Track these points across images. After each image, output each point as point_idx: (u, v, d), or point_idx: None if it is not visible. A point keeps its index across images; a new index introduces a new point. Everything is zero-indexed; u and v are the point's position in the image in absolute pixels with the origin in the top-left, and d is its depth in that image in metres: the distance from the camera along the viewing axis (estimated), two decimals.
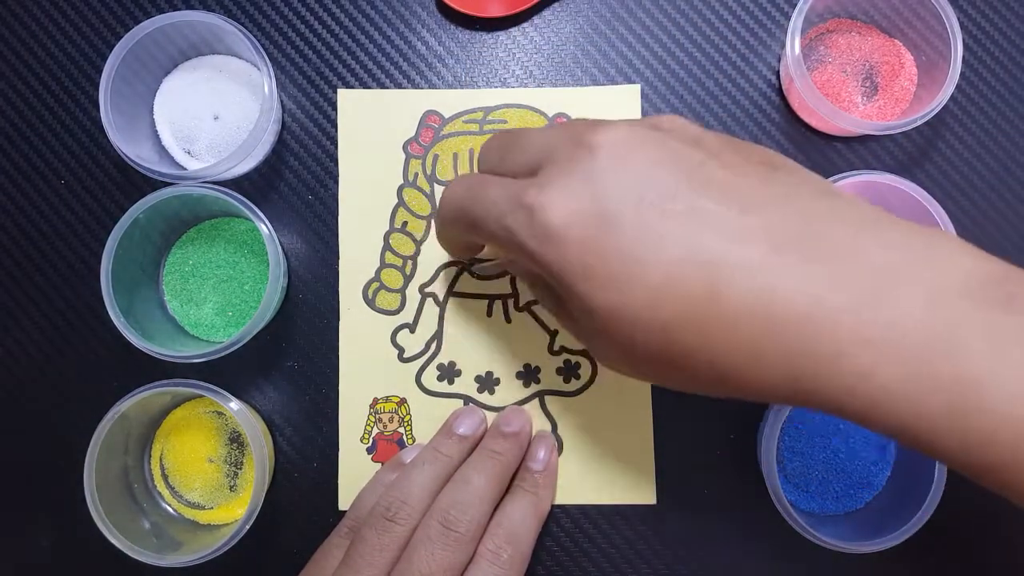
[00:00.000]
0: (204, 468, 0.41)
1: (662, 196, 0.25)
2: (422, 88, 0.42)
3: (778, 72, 0.42)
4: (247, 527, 0.36)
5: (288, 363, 0.41)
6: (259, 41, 0.41)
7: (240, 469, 0.41)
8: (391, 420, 0.40)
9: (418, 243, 0.41)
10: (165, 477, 0.41)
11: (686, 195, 0.25)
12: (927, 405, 0.22)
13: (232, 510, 0.40)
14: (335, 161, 0.42)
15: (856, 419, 0.24)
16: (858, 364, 0.23)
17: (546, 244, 0.26)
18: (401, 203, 0.41)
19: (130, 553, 0.36)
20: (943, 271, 0.23)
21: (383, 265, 0.41)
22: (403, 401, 0.41)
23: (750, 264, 0.24)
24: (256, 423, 0.38)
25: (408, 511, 0.33)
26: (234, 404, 0.37)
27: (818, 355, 0.23)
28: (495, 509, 0.35)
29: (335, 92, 0.42)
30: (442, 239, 0.35)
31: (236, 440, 0.41)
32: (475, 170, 0.41)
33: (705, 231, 0.24)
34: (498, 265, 0.40)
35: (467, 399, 0.41)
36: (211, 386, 0.37)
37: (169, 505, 0.40)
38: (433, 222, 0.41)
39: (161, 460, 0.41)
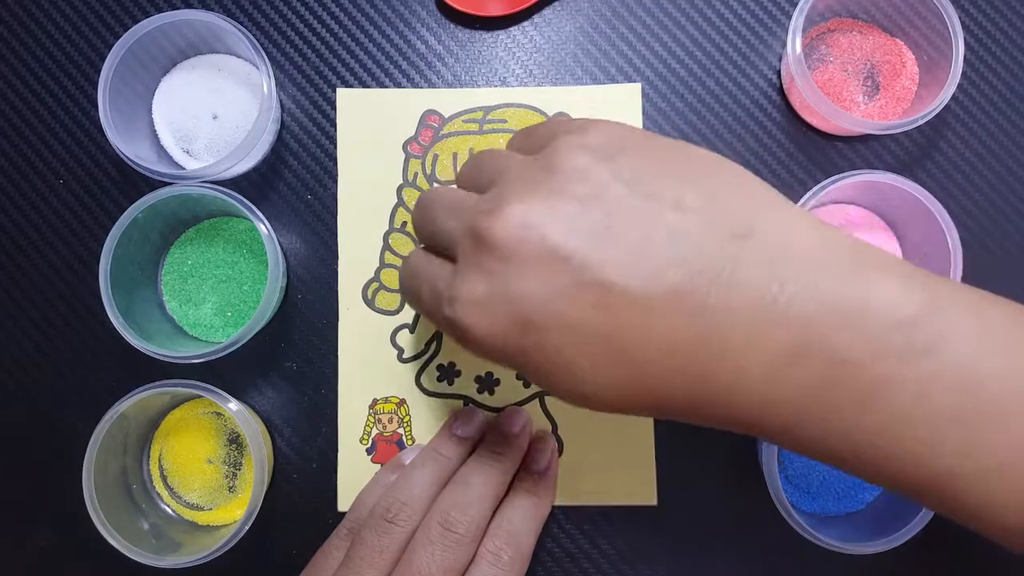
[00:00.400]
0: (203, 469, 0.40)
1: (565, 278, 0.24)
2: (422, 87, 0.42)
3: (779, 71, 0.42)
4: (246, 528, 0.36)
5: (287, 363, 0.41)
6: (258, 40, 0.40)
7: (239, 470, 0.41)
8: (390, 421, 0.40)
9: (418, 243, 0.41)
10: (164, 478, 0.41)
11: (590, 269, 0.24)
12: (790, 397, 0.23)
13: (231, 511, 0.40)
14: (334, 161, 0.42)
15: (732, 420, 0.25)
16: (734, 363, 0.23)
17: (485, 357, 0.27)
18: (401, 203, 0.41)
19: (129, 554, 0.36)
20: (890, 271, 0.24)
21: (383, 265, 0.41)
22: (403, 402, 0.40)
23: (668, 314, 0.24)
24: (255, 424, 0.38)
25: (408, 512, 0.33)
26: (233, 405, 0.37)
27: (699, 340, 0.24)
28: (495, 510, 0.35)
29: (334, 91, 0.42)
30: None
31: (235, 441, 0.41)
32: None
33: (601, 308, 0.24)
34: None
35: (467, 400, 0.41)
36: (210, 387, 0.37)
37: (168, 506, 0.40)
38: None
39: (160, 461, 0.41)
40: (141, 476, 0.40)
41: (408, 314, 0.41)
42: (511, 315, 0.25)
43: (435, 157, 0.41)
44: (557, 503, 0.40)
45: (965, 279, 0.37)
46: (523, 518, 0.35)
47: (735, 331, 0.23)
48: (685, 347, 0.24)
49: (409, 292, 0.30)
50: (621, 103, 0.42)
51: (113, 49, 0.38)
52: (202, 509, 0.40)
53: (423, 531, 0.33)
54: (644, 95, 0.42)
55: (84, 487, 0.36)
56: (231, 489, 0.40)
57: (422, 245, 0.31)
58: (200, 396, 0.37)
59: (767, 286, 0.23)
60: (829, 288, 0.23)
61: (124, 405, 0.36)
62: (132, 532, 0.36)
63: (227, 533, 0.36)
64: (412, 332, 0.41)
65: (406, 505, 0.34)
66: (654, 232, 0.24)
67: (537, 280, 0.24)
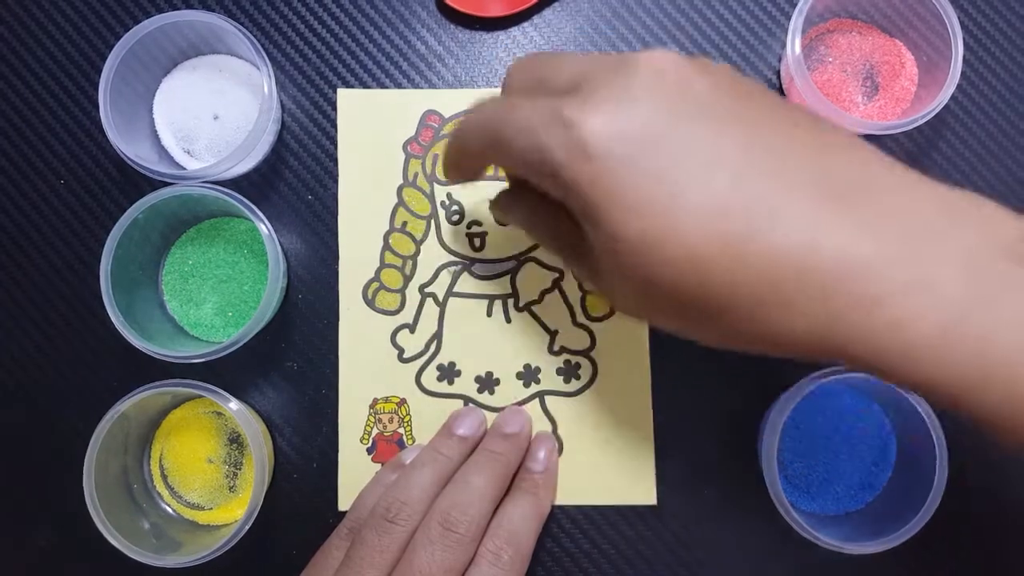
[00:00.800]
0: (204, 468, 0.41)
1: (711, 123, 0.24)
2: (422, 88, 0.42)
3: (778, 72, 0.42)
4: (247, 528, 0.36)
5: (288, 363, 0.41)
6: (259, 41, 0.41)
7: (240, 469, 0.41)
8: (391, 420, 0.40)
9: (418, 243, 0.41)
10: (164, 477, 0.41)
11: (735, 128, 0.24)
12: (957, 363, 0.22)
13: (232, 510, 0.40)
14: (335, 161, 0.42)
15: (884, 373, 0.24)
16: (892, 315, 0.22)
17: (582, 162, 0.24)
18: (401, 203, 0.41)
19: (129, 553, 0.36)
20: (986, 231, 0.23)
21: (383, 265, 0.41)
22: (403, 401, 0.40)
23: (794, 211, 0.23)
24: (256, 423, 0.38)
25: (408, 512, 0.33)
26: (233, 404, 0.37)
27: (852, 304, 0.23)
28: (496, 510, 0.35)
29: (335, 92, 0.42)
30: (450, 164, 0.32)
31: (236, 440, 0.41)
32: None
33: (752, 170, 0.23)
34: (501, 212, 0.35)
35: (467, 399, 0.41)
36: (210, 386, 0.37)
37: (168, 505, 0.40)
38: (440, 151, 0.37)
39: (160, 460, 0.41)
40: (142, 475, 0.40)
41: (408, 314, 0.41)
42: (638, 126, 0.24)
43: (435, 157, 0.41)
44: (557, 503, 0.40)
45: None
46: (523, 517, 0.35)
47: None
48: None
49: (502, 119, 0.27)
50: None
51: (114, 49, 0.38)
52: (203, 508, 0.40)
53: (423, 531, 0.33)
54: None
55: (85, 487, 0.36)
56: (232, 489, 0.41)
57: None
58: (201, 396, 0.37)
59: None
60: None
61: (125, 405, 0.36)
62: (133, 532, 0.36)
63: (228, 533, 0.36)
64: (412, 332, 0.41)
65: (406, 505, 0.34)
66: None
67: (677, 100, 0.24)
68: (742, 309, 0.24)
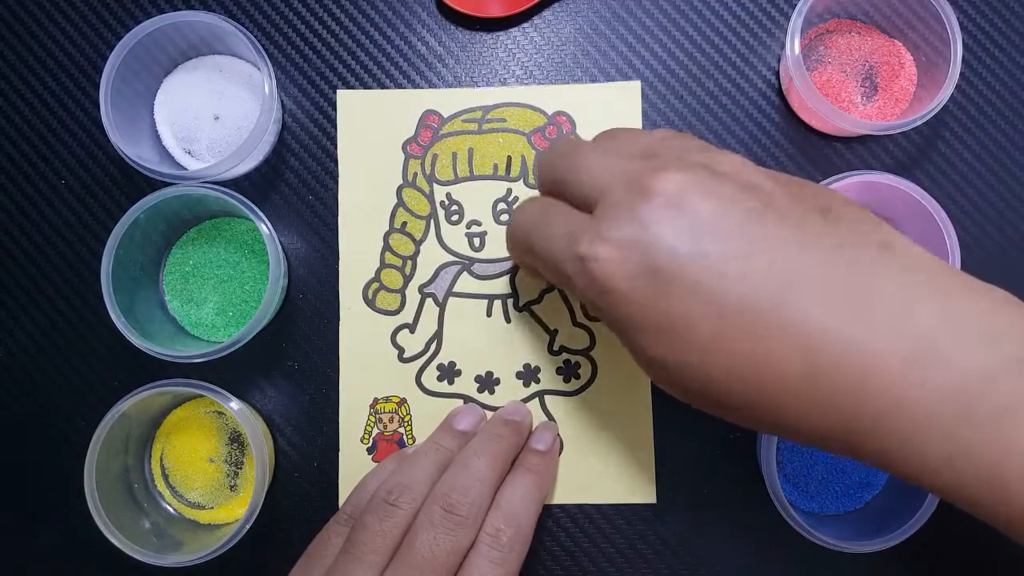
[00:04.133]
0: (205, 468, 0.41)
1: (717, 251, 0.25)
2: (422, 88, 0.42)
3: (778, 72, 0.42)
4: (247, 527, 0.36)
5: (288, 363, 0.41)
6: (259, 41, 0.41)
7: (240, 469, 0.41)
8: (391, 420, 0.40)
9: (418, 243, 0.41)
10: (165, 477, 0.41)
11: (739, 249, 0.25)
12: (976, 469, 0.23)
13: (232, 510, 0.40)
14: (335, 161, 0.42)
15: (902, 471, 0.25)
16: (910, 419, 0.23)
17: (598, 296, 0.26)
18: (401, 203, 0.41)
19: (130, 552, 0.36)
20: (1005, 336, 0.23)
21: (383, 265, 0.41)
22: (403, 401, 0.41)
23: (800, 319, 0.24)
24: (256, 423, 0.38)
25: (410, 495, 0.33)
26: (234, 404, 0.37)
27: (870, 410, 0.24)
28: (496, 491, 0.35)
29: (335, 92, 0.42)
30: (516, 260, 0.35)
31: (236, 440, 0.41)
32: (473, 171, 0.41)
33: (756, 286, 0.24)
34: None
35: (467, 399, 0.41)
36: (211, 386, 0.37)
37: (169, 505, 0.40)
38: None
39: (161, 460, 0.41)
40: (143, 475, 0.40)
41: (408, 314, 0.41)
42: (648, 263, 0.25)
43: (435, 157, 0.42)
44: (557, 502, 0.40)
45: None
46: (523, 498, 0.34)
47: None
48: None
49: (533, 231, 0.30)
50: (620, 102, 0.42)
51: (115, 50, 0.38)
52: (204, 508, 0.41)
53: (425, 514, 0.32)
54: (643, 96, 0.42)
55: (86, 486, 0.36)
56: (232, 488, 0.41)
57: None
58: (201, 395, 0.37)
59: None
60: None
61: (126, 404, 0.36)
62: (134, 531, 0.37)
63: (229, 532, 0.36)
64: (412, 332, 0.41)
65: (408, 488, 0.33)
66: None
67: (688, 232, 0.25)
68: (763, 414, 0.25)
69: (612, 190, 0.27)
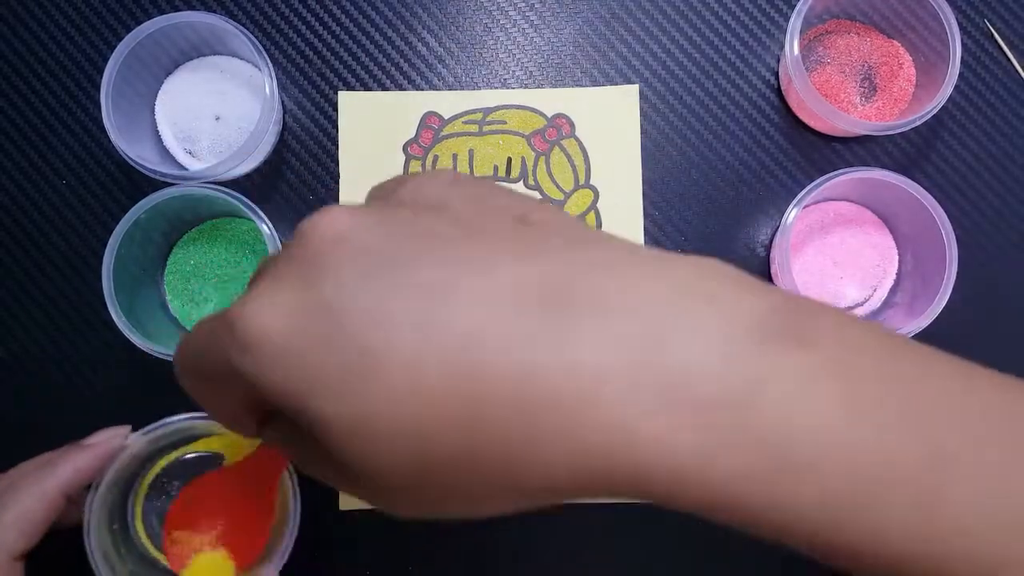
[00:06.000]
0: None
1: (385, 270, 0.20)
2: (422, 90, 0.42)
3: (777, 73, 0.42)
4: None
5: None
6: (260, 42, 0.41)
7: None
8: None
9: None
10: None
11: (411, 263, 0.20)
12: (733, 466, 0.19)
13: None
14: (336, 161, 0.42)
15: (664, 499, 0.20)
16: (652, 430, 0.19)
17: (252, 356, 0.20)
18: None
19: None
20: (727, 313, 0.19)
21: None
22: None
23: (498, 335, 0.19)
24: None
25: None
26: None
27: (602, 428, 0.19)
28: None
29: (336, 93, 0.42)
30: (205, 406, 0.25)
31: None
32: (473, 172, 0.41)
33: (439, 303, 0.19)
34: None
35: None
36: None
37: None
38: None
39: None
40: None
41: None
42: (308, 303, 0.20)
43: (435, 158, 0.42)
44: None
45: (961, 277, 0.37)
46: None
47: None
48: None
49: (180, 356, 0.23)
50: (619, 104, 0.42)
51: (116, 50, 0.38)
52: None
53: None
54: (642, 96, 0.42)
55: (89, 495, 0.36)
56: None
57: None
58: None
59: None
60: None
61: (136, 446, 0.35)
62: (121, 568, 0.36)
63: None
64: None
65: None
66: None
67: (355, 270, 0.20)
68: (481, 466, 0.19)
69: (268, 261, 0.22)
